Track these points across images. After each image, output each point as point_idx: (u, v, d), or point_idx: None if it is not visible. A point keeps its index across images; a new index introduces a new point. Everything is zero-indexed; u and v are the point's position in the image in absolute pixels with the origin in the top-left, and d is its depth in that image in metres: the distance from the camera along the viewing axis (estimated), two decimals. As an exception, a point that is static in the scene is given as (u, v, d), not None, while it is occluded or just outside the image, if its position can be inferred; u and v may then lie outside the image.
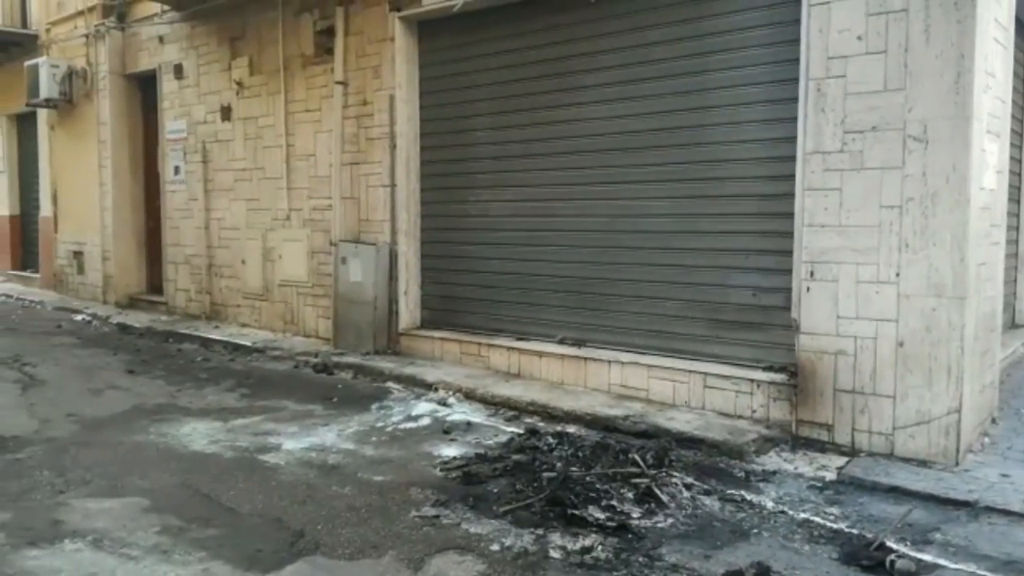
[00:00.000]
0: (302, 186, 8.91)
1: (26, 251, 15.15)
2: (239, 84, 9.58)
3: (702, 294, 6.01)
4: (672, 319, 6.19)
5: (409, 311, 7.98)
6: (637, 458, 4.61)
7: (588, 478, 4.34)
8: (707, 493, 4.35)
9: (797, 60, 5.23)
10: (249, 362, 8.11)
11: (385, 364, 7.37)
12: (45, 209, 13.48)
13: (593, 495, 4.15)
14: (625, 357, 6.23)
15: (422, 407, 6.23)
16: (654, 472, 4.47)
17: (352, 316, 8.03)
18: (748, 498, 4.30)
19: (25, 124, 14.50)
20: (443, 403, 6.31)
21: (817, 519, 4.03)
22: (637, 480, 4.36)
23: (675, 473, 4.54)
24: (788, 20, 5.40)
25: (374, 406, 6.28)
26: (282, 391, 6.81)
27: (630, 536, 3.79)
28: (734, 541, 3.78)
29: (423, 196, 7.98)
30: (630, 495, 4.21)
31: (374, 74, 7.97)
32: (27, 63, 12.22)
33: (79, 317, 10.97)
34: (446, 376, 6.83)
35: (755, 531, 3.90)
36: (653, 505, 4.14)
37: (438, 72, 7.79)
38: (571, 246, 6.77)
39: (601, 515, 3.95)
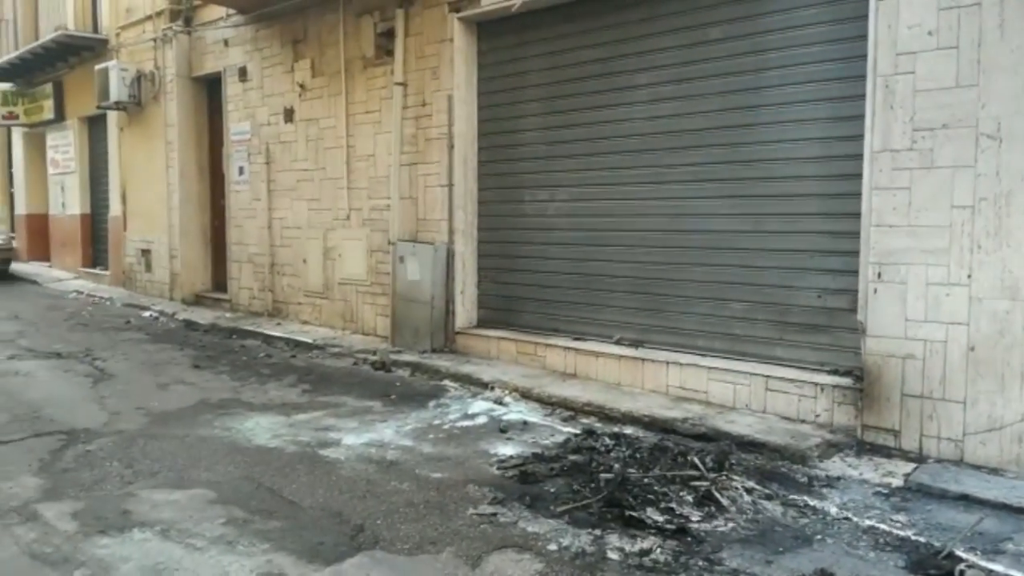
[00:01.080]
0: (362, 186, 9.03)
1: (96, 249, 15.66)
2: (301, 86, 9.75)
3: (764, 295, 5.91)
4: (733, 320, 6.10)
5: (466, 310, 8.03)
6: (696, 461, 4.56)
7: (646, 480, 4.31)
8: (769, 498, 4.28)
9: (863, 57, 5.11)
10: (310, 359, 8.25)
11: (442, 362, 7.42)
12: (114, 208, 13.89)
13: (651, 497, 4.12)
14: (684, 359, 6.16)
15: (479, 405, 6.26)
16: (714, 475, 4.42)
17: (410, 315, 8.10)
18: (811, 503, 4.21)
19: (95, 126, 14.99)
20: (499, 402, 6.33)
21: (883, 526, 3.93)
22: (696, 483, 4.31)
23: (735, 477, 4.48)
24: (854, 16, 5.29)
25: (431, 404, 6.33)
26: (342, 387, 6.91)
27: (689, 539, 3.75)
28: (797, 547, 3.71)
29: (480, 196, 8.01)
30: (689, 498, 4.17)
31: (433, 75, 8.03)
32: (97, 67, 12.64)
33: (147, 313, 11.30)
34: (502, 375, 6.84)
35: (818, 537, 3.82)
36: (713, 509, 4.08)
37: (496, 72, 7.82)
38: (629, 246, 6.73)
39: (660, 517, 3.91)
